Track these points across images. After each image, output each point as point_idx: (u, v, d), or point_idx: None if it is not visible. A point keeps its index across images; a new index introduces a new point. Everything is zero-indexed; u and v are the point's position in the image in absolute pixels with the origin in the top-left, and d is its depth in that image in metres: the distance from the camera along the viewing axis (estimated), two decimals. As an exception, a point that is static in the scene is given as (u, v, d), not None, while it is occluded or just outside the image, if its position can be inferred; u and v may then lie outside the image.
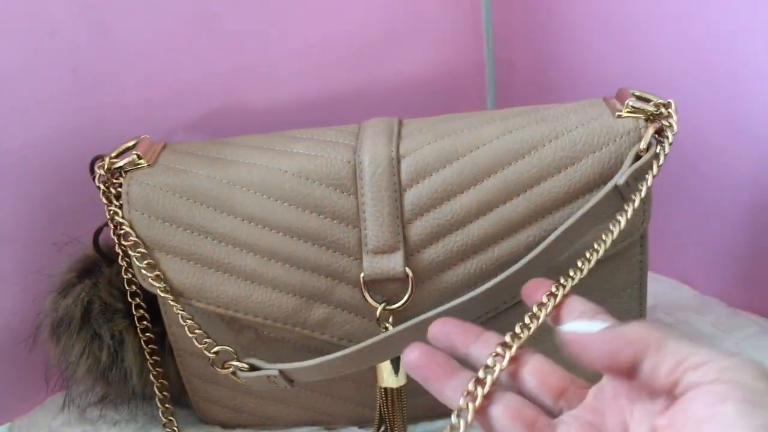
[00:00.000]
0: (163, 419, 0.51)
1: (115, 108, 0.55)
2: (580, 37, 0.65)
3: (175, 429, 0.51)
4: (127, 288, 0.49)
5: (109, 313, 0.50)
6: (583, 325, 0.33)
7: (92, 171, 0.48)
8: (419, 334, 0.44)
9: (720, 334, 0.56)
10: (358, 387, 0.50)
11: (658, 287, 0.62)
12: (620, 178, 0.42)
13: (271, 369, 0.46)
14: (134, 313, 0.49)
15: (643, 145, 0.43)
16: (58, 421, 0.54)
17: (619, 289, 0.48)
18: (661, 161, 0.43)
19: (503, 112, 0.48)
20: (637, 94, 0.46)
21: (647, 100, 0.45)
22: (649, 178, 0.42)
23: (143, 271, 0.47)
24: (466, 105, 0.69)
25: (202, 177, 0.47)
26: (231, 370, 0.47)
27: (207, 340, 0.47)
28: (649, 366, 0.29)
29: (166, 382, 0.51)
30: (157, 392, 0.51)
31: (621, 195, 0.43)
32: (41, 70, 0.52)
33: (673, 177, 0.52)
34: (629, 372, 0.30)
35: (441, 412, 0.50)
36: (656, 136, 0.44)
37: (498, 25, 0.71)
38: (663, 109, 0.44)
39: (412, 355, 0.36)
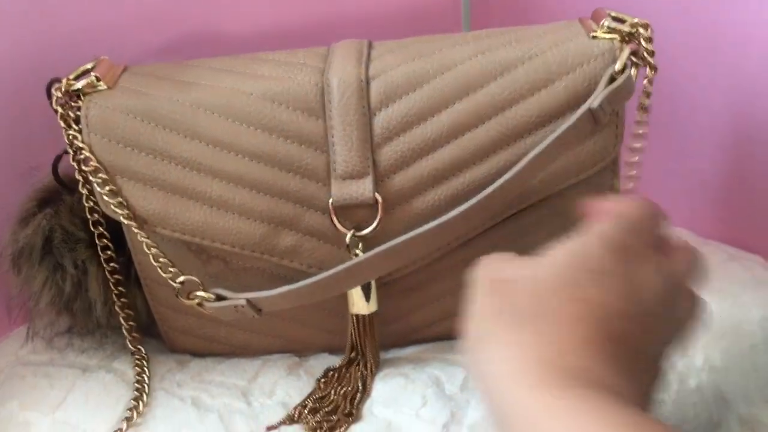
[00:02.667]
0: (132, 348, 0.51)
1: (74, 31, 0.53)
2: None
3: (144, 357, 0.51)
4: (89, 216, 0.48)
5: (72, 242, 0.48)
6: None
7: (49, 94, 0.46)
8: (389, 260, 0.43)
9: (689, 260, 0.56)
10: (329, 314, 0.49)
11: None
12: (594, 101, 0.42)
13: (239, 299, 0.45)
14: (97, 242, 0.48)
15: (618, 66, 0.42)
16: (24, 350, 0.53)
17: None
18: (638, 84, 0.42)
19: (477, 33, 0.47)
20: (613, 14, 0.44)
21: (623, 21, 0.44)
22: (623, 101, 0.42)
23: (105, 198, 0.45)
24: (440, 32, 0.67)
25: (164, 100, 0.45)
26: (197, 301, 0.46)
27: (172, 269, 0.46)
28: None
29: (132, 313, 0.51)
30: (123, 322, 0.50)
31: (594, 118, 0.42)
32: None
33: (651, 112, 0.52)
34: None
35: (412, 339, 0.51)
36: (632, 57, 0.43)
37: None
38: (641, 29, 0.43)
39: None
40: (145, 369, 0.50)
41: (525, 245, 0.47)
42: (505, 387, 0.26)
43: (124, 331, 0.50)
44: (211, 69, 0.47)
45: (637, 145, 0.45)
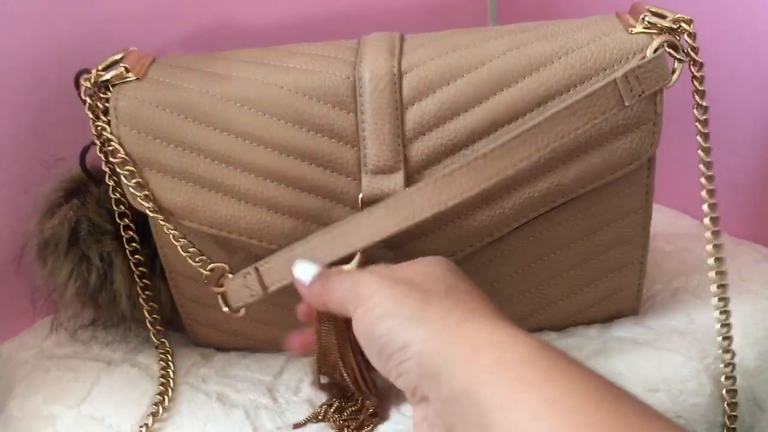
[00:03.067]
0: (155, 341, 0.50)
1: (102, 22, 0.53)
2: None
3: (168, 350, 0.51)
4: (115, 208, 0.47)
5: (98, 234, 0.48)
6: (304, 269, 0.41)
7: (77, 85, 0.45)
8: (394, 215, 0.42)
9: (722, 261, 0.55)
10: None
11: (659, 217, 0.61)
12: (618, 72, 0.41)
13: (249, 269, 0.45)
14: (123, 234, 0.48)
15: (649, 52, 0.41)
16: (49, 342, 0.53)
17: (625, 213, 0.46)
18: (675, 78, 0.41)
19: (510, 27, 0.46)
20: (653, 9, 0.43)
21: (664, 17, 0.43)
22: (653, 84, 0.41)
23: (132, 190, 0.45)
24: (467, 25, 0.66)
25: (194, 92, 0.45)
26: (224, 288, 0.46)
27: (201, 257, 0.46)
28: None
29: (156, 306, 0.50)
30: (147, 315, 0.50)
31: (620, 94, 0.41)
32: None
33: (676, 104, 0.51)
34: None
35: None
36: (671, 51, 0.42)
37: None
38: (684, 25, 0.42)
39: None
40: (170, 363, 0.50)
41: (556, 243, 0.47)
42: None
43: (148, 324, 0.50)
44: (240, 61, 0.46)
45: (706, 145, 0.44)
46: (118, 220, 0.47)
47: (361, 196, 0.44)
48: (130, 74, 0.46)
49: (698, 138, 0.43)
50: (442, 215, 0.44)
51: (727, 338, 0.45)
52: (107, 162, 0.46)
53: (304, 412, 0.45)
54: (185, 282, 0.49)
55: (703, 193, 0.44)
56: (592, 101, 0.41)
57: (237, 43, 0.58)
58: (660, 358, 0.46)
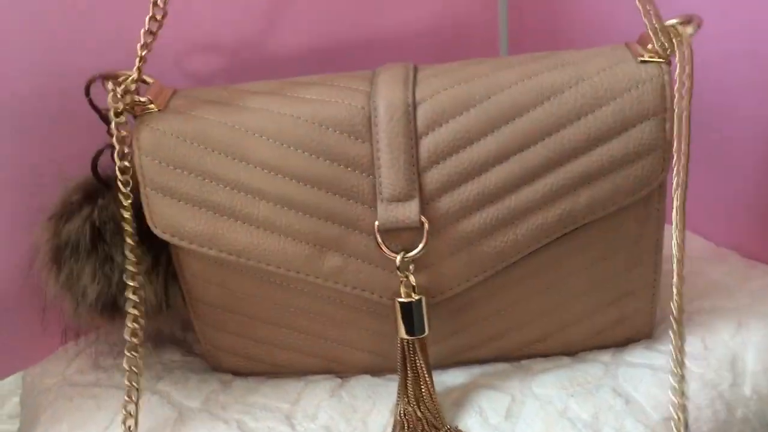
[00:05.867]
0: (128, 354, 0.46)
1: (119, 53, 0.54)
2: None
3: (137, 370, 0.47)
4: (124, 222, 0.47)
5: (122, 233, 0.47)
6: None
7: (88, 92, 0.46)
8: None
9: (734, 284, 0.55)
10: (372, 335, 0.49)
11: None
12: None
13: None
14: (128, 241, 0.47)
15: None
16: (71, 369, 0.54)
17: (637, 238, 0.47)
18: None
19: (521, 57, 0.47)
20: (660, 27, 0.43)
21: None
22: (668, 121, 0.41)
23: (154, 218, 0.46)
24: (479, 53, 0.68)
25: (214, 123, 0.46)
26: None
27: None
28: None
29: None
30: (133, 311, 0.47)
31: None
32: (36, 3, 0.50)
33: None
34: None
35: (454, 360, 0.51)
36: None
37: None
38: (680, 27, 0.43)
39: None
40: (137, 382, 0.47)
41: (569, 269, 0.47)
42: None
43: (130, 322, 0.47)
44: (258, 93, 0.48)
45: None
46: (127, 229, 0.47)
47: (377, 223, 0.45)
48: (152, 105, 0.47)
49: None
50: (457, 242, 0.45)
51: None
52: (120, 191, 0.46)
53: (322, 438, 0.46)
54: (207, 309, 0.50)
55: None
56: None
57: (252, 73, 0.59)
58: (674, 383, 0.46)
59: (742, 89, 0.55)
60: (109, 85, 0.46)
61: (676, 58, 0.42)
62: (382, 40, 0.63)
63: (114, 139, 0.46)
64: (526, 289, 0.48)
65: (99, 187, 0.49)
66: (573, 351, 0.51)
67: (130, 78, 0.46)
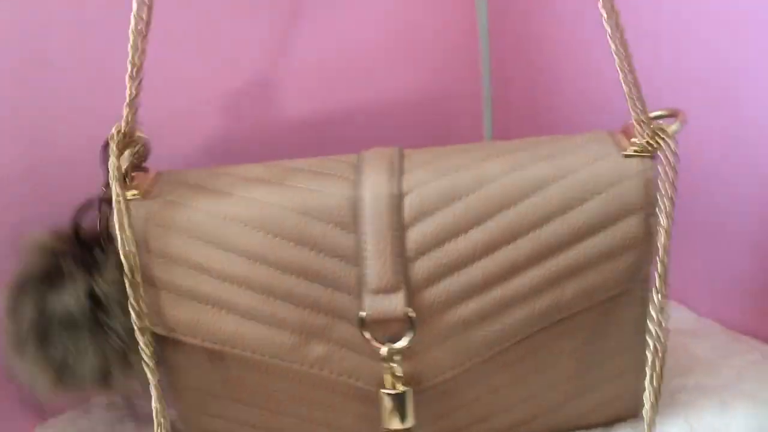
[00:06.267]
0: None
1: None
2: (578, 55, 0.64)
3: None
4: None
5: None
6: None
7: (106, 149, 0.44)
8: None
9: (719, 360, 0.55)
10: (359, 419, 0.49)
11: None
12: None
13: None
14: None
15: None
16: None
17: (623, 324, 0.47)
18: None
19: (507, 145, 0.47)
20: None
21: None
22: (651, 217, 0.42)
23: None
24: (463, 124, 0.68)
25: (198, 211, 0.45)
26: None
27: None
28: None
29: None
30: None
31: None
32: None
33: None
34: None
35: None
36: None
37: (495, 44, 0.70)
38: (664, 140, 0.43)
39: None
40: None
41: (556, 353, 0.47)
42: None
43: None
44: (243, 178, 0.47)
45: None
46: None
47: (363, 314, 0.44)
48: (135, 191, 0.46)
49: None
50: (444, 331, 0.45)
51: None
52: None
53: None
54: (193, 394, 0.49)
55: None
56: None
57: (238, 145, 0.59)
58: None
59: (727, 162, 0.56)
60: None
61: (661, 156, 0.42)
62: (369, 111, 0.64)
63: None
64: (514, 373, 0.48)
65: (81, 251, 0.46)
66: (561, 431, 0.51)
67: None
